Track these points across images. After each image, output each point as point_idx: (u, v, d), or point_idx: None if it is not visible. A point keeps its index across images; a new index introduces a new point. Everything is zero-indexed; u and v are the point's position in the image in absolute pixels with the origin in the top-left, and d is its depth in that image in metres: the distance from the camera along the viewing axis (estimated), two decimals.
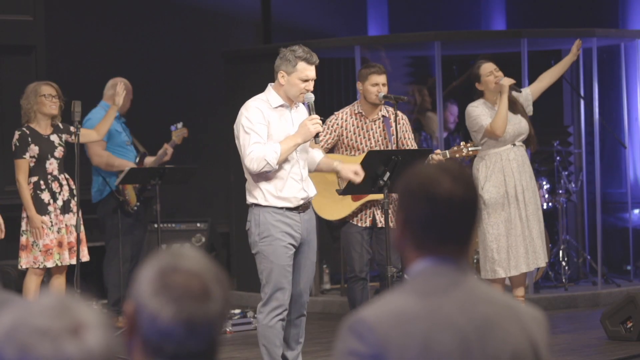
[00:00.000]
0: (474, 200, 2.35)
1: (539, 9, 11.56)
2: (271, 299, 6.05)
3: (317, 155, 6.50)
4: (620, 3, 11.19)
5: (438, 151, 7.28)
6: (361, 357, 2.19)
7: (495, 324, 2.28)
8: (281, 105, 6.11)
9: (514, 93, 7.87)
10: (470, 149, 7.40)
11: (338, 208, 7.40)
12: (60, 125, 7.88)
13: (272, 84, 6.20)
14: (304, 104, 6.21)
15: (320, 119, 6.11)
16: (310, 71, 6.09)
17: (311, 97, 6.10)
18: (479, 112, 7.78)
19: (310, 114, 6.11)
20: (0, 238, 7.56)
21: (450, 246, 2.33)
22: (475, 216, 2.35)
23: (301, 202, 6.14)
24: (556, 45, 10.40)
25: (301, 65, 6.07)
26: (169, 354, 1.98)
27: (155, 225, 8.92)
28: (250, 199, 6.13)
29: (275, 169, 6.01)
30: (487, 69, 7.82)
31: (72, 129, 7.87)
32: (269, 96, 6.12)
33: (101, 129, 8.24)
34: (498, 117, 7.68)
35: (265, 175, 6.05)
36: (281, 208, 6.07)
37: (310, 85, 6.10)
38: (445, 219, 2.32)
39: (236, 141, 6.11)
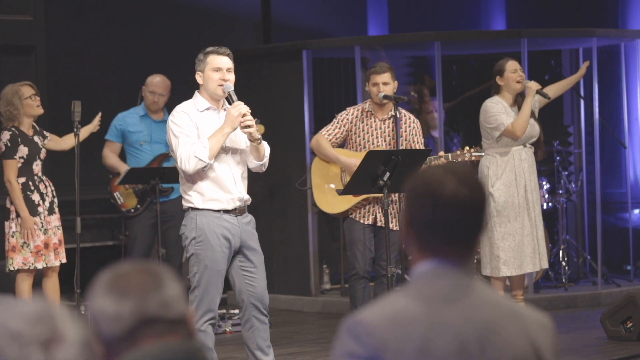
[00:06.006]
0: (479, 202, 2.33)
1: (539, 9, 11.56)
2: (202, 302, 5.96)
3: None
4: (620, 3, 11.19)
5: (442, 153, 7.31)
6: (358, 359, 2.19)
7: (496, 329, 2.26)
8: (207, 109, 6.05)
9: (535, 99, 7.97)
10: (473, 154, 7.39)
11: (338, 201, 7.40)
12: (37, 127, 7.90)
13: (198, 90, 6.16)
14: (226, 98, 6.07)
15: (254, 118, 6.00)
16: (220, 60, 6.05)
17: (230, 86, 6.02)
18: (499, 110, 7.84)
19: (232, 103, 6.02)
20: None
21: (454, 248, 2.32)
22: (481, 218, 2.34)
23: (238, 203, 6.07)
24: (556, 45, 10.39)
25: (211, 57, 6.05)
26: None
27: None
28: (186, 204, 6.06)
29: (210, 164, 5.92)
30: (513, 66, 7.91)
31: (45, 133, 7.89)
32: (196, 101, 6.08)
33: (69, 141, 8.12)
34: (521, 118, 7.76)
35: (199, 178, 5.99)
36: (218, 211, 6.00)
37: (226, 76, 6.04)
38: (449, 220, 2.31)
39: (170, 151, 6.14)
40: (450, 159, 7.29)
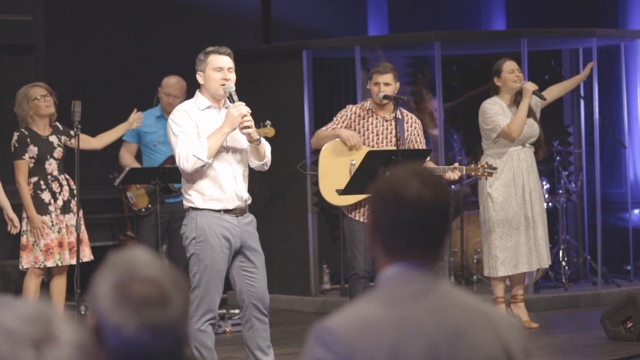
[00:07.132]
0: (443, 204, 2.31)
1: (539, 9, 11.56)
2: (202, 302, 5.96)
3: None
4: (620, 3, 11.19)
5: (456, 164, 7.28)
6: None
7: (466, 331, 2.24)
8: (208, 107, 6.05)
9: (535, 99, 7.98)
10: (487, 170, 7.37)
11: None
12: (60, 126, 7.92)
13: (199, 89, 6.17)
14: (227, 98, 6.07)
15: (252, 116, 5.96)
16: (221, 60, 6.04)
17: (231, 86, 6.02)
18: (496, 111, 7.86)
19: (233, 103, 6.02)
20: (14, 233, 7.67)
21: (420, 251, 2.30)
22: (445, 220, 2.32)
23: (238, 202, 6.05)
24: (556, 45, 10.40)
25: (212, 57, 6.04)
26: (137, 358, 1.99)
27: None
28: (187, 203, 6.07)
29: (208, 163, 5.91)
30: (510, 66, 7.94)
31: (72, 132, 7.90)
32: (197, 100, 6.09)
33: (103, 139, 8.27)
34: (517, 119, 7.78)
35: (199, 177, 5.98)
36: (218, 211, 6.00)
37: (227, 75, 6.03)
38: (413, 223, 2.29)
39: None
40: (464, 171, 7.30)
